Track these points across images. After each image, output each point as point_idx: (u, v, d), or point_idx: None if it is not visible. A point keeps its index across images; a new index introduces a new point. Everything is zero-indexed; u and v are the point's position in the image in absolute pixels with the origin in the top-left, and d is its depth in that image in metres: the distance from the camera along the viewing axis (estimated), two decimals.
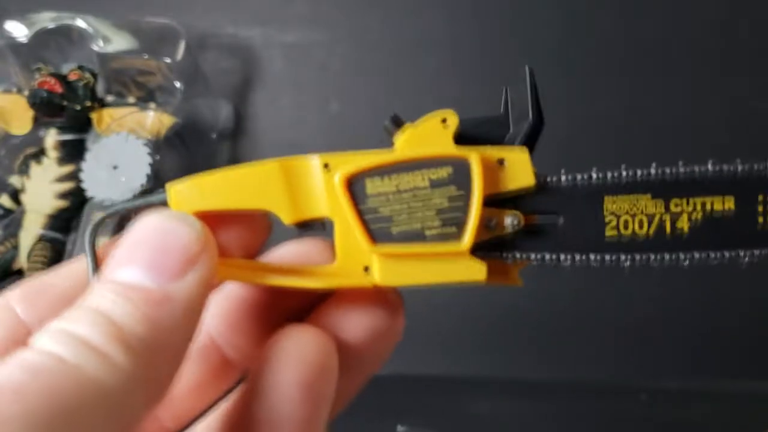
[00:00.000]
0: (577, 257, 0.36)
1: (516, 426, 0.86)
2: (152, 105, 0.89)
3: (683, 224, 0.35)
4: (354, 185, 0.35)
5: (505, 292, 0.89)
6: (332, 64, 0.95)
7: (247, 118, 0.95)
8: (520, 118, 0.37)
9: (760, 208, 0.35)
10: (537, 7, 0.94)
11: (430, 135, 0.36)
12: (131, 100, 0.89)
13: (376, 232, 0.36)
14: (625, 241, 0.36)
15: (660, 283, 0.87)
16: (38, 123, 0.87)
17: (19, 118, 0.87)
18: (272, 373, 0.34)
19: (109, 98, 0.89)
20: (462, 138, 0.37)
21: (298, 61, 0.95)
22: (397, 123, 0.36)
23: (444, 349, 0.88)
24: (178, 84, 0.90)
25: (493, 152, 0.36)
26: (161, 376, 0.30)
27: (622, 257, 0.35)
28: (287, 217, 0.36)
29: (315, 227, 0.37)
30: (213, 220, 0.36)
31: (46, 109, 0.86)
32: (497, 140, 0.37)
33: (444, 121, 0.36)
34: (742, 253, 0.35)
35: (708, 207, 0.35)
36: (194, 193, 0.36)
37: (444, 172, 0.35)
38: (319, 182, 0.36)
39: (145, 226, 0.32)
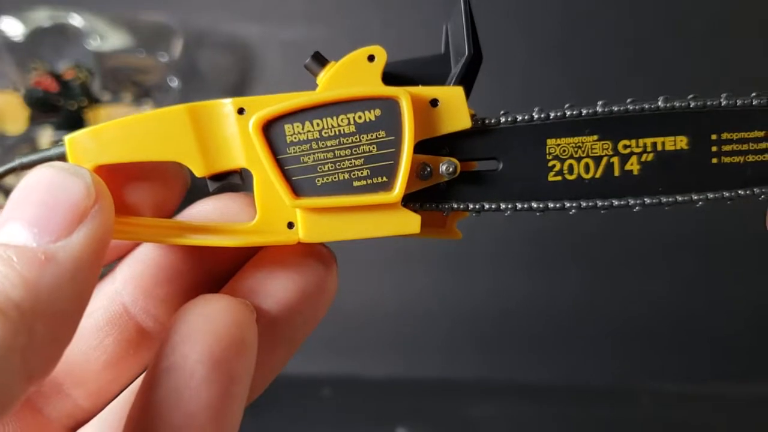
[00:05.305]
0: (519, 205, 0.32)
1: (516, 429, 0.83)
2: (149, 103, 0.88)
3: (633, 166, 0.31)
4: (271, 131, 0.32)
5: (505, 295, 0.89)
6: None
7: None
8: (460, 56, 0.33)
9: (714, 148, 0.31)
10: (539, 6, 0.91)
11: (355, 73, 0.32)
12: (127, 98, 0.88)
13: (299, 183, 0.32)
14: (570, 186, 0.32)
15: (662, 286, 0.85)
16: (33, 122, 0.87)
17: (15, 117, 0.86)
18: (175, 350, 0.30)
19: (105, 96, 0.88)
20: (398, 80, 0.33)
21: (296, 58, 0.92)
22: (320, 61, 0.33)
23: (443, 352, 0.85)
24: (174, 82, 0.89)
25: (425, 91, 0.32)
26: (45, 345, 0.26)
27: (567, 203, 0.32)
28: (199, 169, 0.32)
29: (232, 180, 0.33)
30: (120, 175, 0.32)
31: (41, 107, 0.85)
32: (438, 82, 0.34)
33: (371, 57, 0.32)
34: (695, 196, 0.31)
35: (659, 147, 0.31)
36: (94, 144, 0.32)
37: (371, 115, 0.32)
38: (233, 129, 0.32)
39: (31, 181, 0.28)
